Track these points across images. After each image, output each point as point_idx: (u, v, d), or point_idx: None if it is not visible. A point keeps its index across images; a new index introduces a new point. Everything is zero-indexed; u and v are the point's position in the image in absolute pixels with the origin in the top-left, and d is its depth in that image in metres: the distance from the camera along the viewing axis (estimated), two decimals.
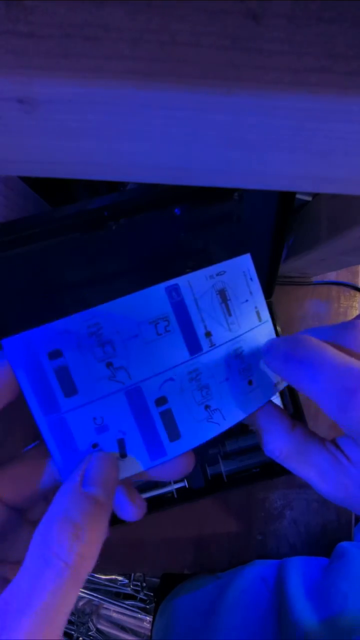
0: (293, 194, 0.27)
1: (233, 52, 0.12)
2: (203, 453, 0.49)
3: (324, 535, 0.51)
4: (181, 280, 0.19)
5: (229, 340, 0.21)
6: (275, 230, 0.32)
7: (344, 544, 0.47)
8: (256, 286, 0.22)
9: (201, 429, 0.20)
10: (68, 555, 0.14)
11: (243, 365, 0.21)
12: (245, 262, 0.22)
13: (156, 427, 0.20)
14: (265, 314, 0.23)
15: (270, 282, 0.42)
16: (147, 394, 0.19)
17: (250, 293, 0.22)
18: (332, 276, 0.51)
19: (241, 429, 0.47)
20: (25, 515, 0.20)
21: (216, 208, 0.26)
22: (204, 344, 0.20)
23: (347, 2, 0.11)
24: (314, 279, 0.51)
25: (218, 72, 0.12)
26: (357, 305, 0.51)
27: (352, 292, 0.51)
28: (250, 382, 0.22)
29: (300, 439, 0.21)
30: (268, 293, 0.45)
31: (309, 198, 0.36)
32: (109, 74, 0.12)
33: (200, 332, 0.20)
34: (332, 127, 0.14)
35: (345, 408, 0.17)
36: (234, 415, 0.21)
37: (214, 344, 0.20)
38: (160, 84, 0.12)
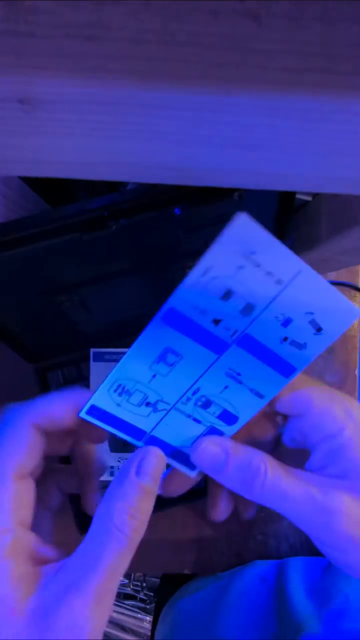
0: (293, 194, 0.27)
1: (233, 52, 0.12)
2: None
3: None
4: (172, 301, 0.19)
5: (250, 324, 0.20)
6: (275, 230, 0.32)
7: None
8: (267, 251, 0.18)
9: (251, 406, 0.23)
10: (127, 529, 0.19)
11: (279, 335, 0.21)
12: (237, 235, 0.18)
13: (213, 423, 0.23)
14: (291, 270, 0.19)
15: None
16: (185, 408, 0.23)
17: (258, 265, 0.18)
18: (332, 276, 0.51)
19: None
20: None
21: (216, 208, 0.26)
22: (226, 338, 0.20)
23: (347, 2, 0.11)
24: None
25: (218, 72, 0.12)
26: (357, 305, 0.51)
27: (352, 292, 0.51)
28: (289, 341, 0.21)
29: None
30: None
31: (309, 198, 0.36)
32: (109, 74, 0.12)
33: (219, 331, 0.20)
34: (332, 127, 0.14)
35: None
36: (274, 385, 0.22)
37: (235, 332, 0.20)
38: (160, 84, 0.12)
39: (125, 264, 0.31)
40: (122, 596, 0.94)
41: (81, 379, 0.47)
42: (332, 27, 0.11)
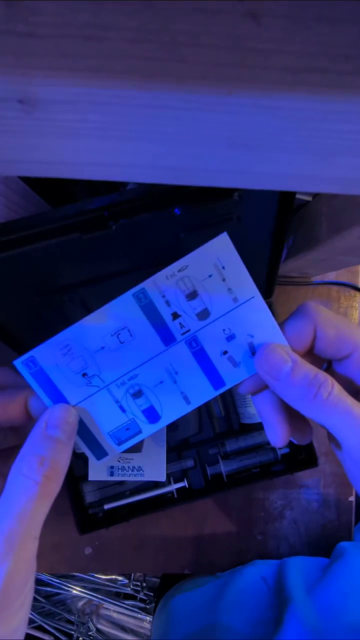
0: (293, 194, 0.27)
1: (233, 52, 0.12)
2: (203, 453, 0.49)
3: (324, 535, 0.51)
4: (146, 283, 0.21)
5: (201, 328, 0.23)
6: (275, 230, 0.32)
7: (344, 543, 0.47)
8: (234, 270, 0.22)
9: (176, 409, 0.24)
10: (36, 475, 0.19)
11: (221, 347, 0.23)
12: (216, 248, 0.21)
13: (135, 417, 0.24)
14: (247, 294, 0.22)
15: (270, 282, 0.42)
16: (117, 392, 0.23)
17: (223, 280, 0.22)
18: (332, 276, 0.51)
19: (241, 429, 0.47)
20: None
21: (216, 208, 0.26)
22: (177, 334, 0.22)
23: (347, 2, 0.11)
24: (314, 279, 0.51)
25: (218, 72, 0.12)
26: (357, 305, 0.51)
27: (352, 292, 0.51)
28: (231, 359, 0.23)
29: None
30: (268, 293, 0.45)
31: (309, 198, 0.36)
32: (109, 74, 0.12)
33: (173, 326, 0.22)
34: (332, 127, 0.14)
35: None
36: (204, 394, 0.24)
37: (187, 331, 0.22)
38: (160, 84, 0.12)
39: (125, 263, 0.31)
40: (122, 596, 0.94)
41: None
42: (332, 27, 0.11)
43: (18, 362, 0.22)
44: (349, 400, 0.21)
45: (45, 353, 0.22)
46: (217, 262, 0.21)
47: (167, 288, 0.21)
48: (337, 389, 0.21)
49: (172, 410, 0.24)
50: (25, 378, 0.22)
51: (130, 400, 0.24)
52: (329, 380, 0.21)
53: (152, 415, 0.24)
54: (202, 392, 0.23)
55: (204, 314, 0.22)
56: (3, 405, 0.23)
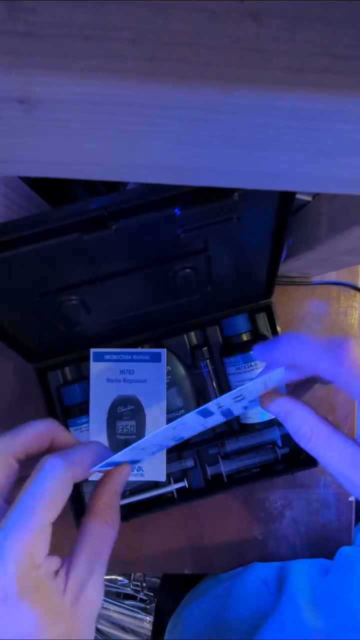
0: (293, 194, 0.27)
1: (233, 52, 0.12)
2: (203, 453, 0.49)
3: (324, 535, 0.51)
4: (209, 404, 0.24)
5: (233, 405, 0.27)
6: (275, 230, 0.32)
7: (347, 549, 0.47)
8: (274, 379, 0.25)
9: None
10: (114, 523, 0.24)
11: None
12: (271, 377, 0.25)
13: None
14: (273, 382, 0.26)
15: (270, 282, 0.42)
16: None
17: (265, 385, 0.26)
18: (332, 276, 0.51)
19: (241, 429, 0.47)
20: None
21: (216, 208, 0.26)
22: (215, 410, 0.26)
23: (347, 2, 0.11)
24: (314, 279, 0.51)
25: (218, 72, 0.12)
26: (357, 305, 0.51)
27: (352, 292, 0.51)
28: None
29: (327, 424, 0.24)
30: (268, 293, 0.45)
31: (309, 198, 0.36)
32: (109, 74, 0.12)
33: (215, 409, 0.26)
34: (332, 127, 0.14)
35: None
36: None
37: (221, 407, 0.26)
38: (160, 84, 0.12)
39: (125, 263, 0.31)
40: (122, 596, 0.94)
41: (81, 379, 0.47)
42: (332, 27, 0.11)
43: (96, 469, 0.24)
44: (322, 449, 0.24)
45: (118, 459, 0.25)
46: (267, 384, 0.26)
47: (219, 400, 0.25)
48: (314, 440, 0.24)
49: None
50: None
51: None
52: (309, 433, 0.24)
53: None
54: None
55: (239, 398, 0.26)
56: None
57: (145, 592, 0.92)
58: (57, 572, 0.21)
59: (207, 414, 0.26)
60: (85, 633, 0.21)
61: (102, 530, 0.24)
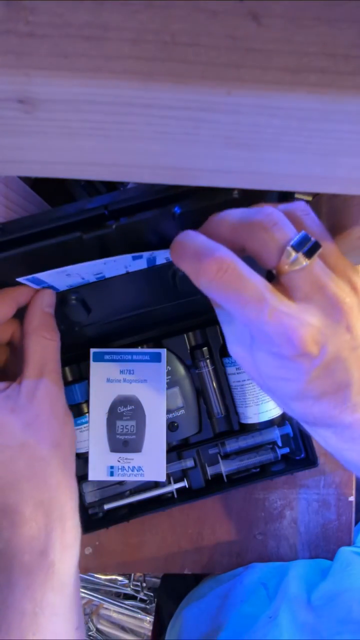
0: (293, 194, 0.27)
1: (233, 52, 0.12)
2: (203, 453, 0.49)
3: (324, 535, 0.51)
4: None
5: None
6: None
7: (347, 549, 0.47)
8: None
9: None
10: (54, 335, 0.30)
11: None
12: None
13: None
14: None
15: (269, 282, 0.42)
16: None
17: None
18: None
19: (241, 429, 0.47)
20: None
21: (216, 208, 0.26)
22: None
23: (347, 3, 0.11)
24: None
25: (218, 72, 0.12)
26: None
27: None
28: None
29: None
30: None
31: (309, 198, 0.36)
32: (109, 74, 0.12)
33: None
34: (332, 127, 0.14)
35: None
36: None
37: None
38: (160, 84, 0.12)
39: None
40: (122, 596, 0.94)
41: (81, 379, 0.47)
42: (332, 27, 0.11)
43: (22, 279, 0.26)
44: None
45: (47, 274, 0.27)
46: None
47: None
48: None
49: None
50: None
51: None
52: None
53: None
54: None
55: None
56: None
57: (145, 592, 0.92)
58: (9, 386, 0.27)
59: (137, 257, 0.28)
60: (49, 419, 0.27)
61: (41, 343, 0.28)
